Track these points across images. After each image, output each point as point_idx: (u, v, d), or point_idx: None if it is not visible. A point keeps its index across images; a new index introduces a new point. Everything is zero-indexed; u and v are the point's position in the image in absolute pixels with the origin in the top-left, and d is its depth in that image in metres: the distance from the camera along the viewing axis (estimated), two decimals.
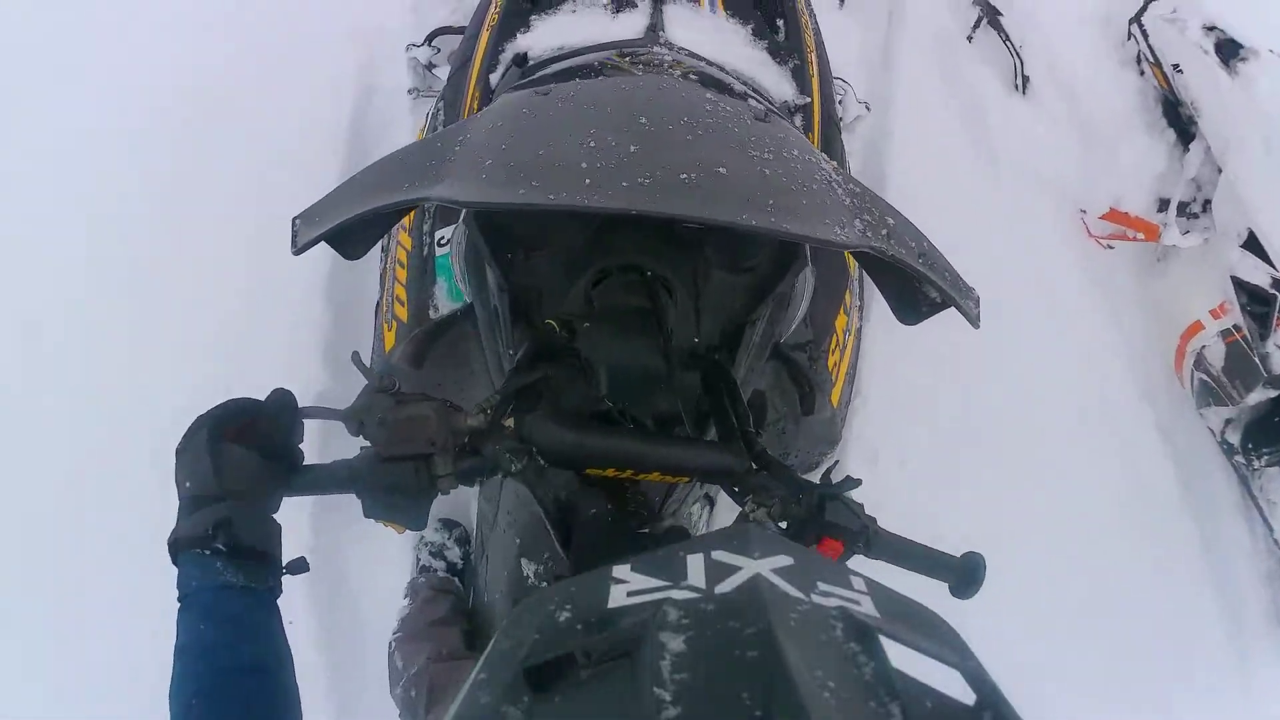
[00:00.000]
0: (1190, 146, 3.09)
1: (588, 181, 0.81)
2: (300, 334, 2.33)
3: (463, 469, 0.91)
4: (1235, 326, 2.90)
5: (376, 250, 1.17)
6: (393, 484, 0.89)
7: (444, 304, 1.49)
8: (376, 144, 2.57)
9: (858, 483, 1.05)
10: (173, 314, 2.30)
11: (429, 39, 2.53)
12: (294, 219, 1.00)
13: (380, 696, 1.86)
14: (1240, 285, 2.87)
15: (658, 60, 1.33)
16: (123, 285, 2.34)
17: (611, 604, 0.59)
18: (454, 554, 2.20)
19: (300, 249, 0.97)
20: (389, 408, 0.89)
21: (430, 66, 2.51)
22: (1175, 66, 3.09)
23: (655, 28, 1.43)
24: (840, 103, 2.43)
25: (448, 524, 2.26)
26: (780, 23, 1.65)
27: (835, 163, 1.03)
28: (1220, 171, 2.96)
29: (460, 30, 2.47)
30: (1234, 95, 2.92)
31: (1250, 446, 2.99)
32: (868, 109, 2.87)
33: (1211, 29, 3.03)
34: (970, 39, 3.24)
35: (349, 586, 2.20)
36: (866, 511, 1.03)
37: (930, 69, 3.13)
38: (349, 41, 2.69)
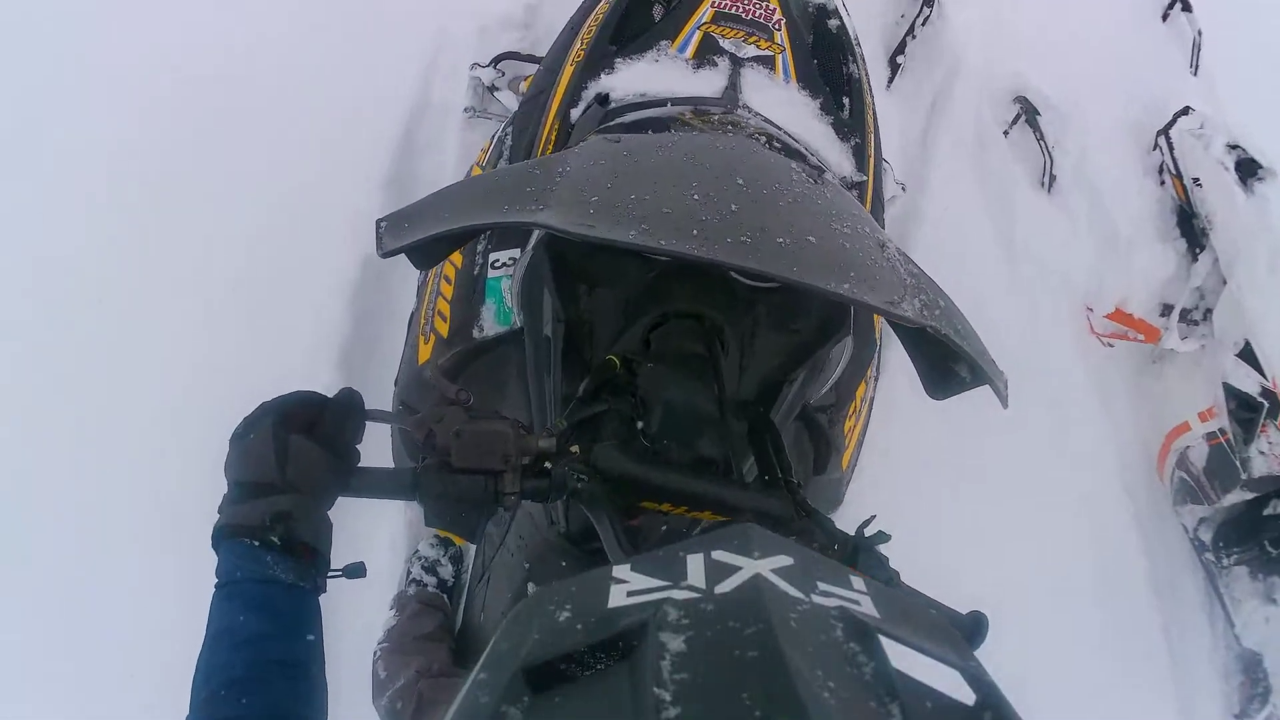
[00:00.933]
0: (1199, 257, 3.22)
1: (695, 232, 0.85)
2: (320, 334, 2.34)
3: (528, 488, 0.93)
4: (1221, 430, 3.00)
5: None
6: (460, 495, 0.90)
7: (490, 326, 1.51)
8: (425, 154, 2.60)
9: (888, 537, 1.09)
10: (189, 300, 2.30)
11: (495, 61, 2.56)
12: (379, 221, 1.01)
13: (351, 702, 1.86)
14: (1231, 391, 2.96)
15: (742, 122, 1.38)
16: (143, 267, 2.33)
17: (611, 604, 0.58)
18: (446, 571, 2.20)
19: (387, 253, 0.99)
20: (464, 420, 0.90)
21: (492, 89, 2.54)
22: (1195, 180, 3.22)
23: (734, 88, 1.47)
24: None
25: (444, 541, 2.26)
26: (846, 101, 1.70)
27: (895, 243, 1.08)
28: (1225, 283, 3.06)
29: (527, 58, 2.52)
30: (1248, 212, 3.02)
31: (1221, 545, 3.09)
32: (903, 189, 2.94)
33: (1234, 147, 3.17)
34: (1006, 134, 3.34)
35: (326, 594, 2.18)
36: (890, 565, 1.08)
37: (965, 158, 3.24)
38: (412, 56, 2.71)
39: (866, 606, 0.59)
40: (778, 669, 0.48)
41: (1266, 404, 2.87)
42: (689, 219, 0.86)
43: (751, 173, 0.98)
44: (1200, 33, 3.93)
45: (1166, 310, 3.17)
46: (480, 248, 1.58)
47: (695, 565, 0.61)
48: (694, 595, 0.57)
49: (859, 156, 1.63)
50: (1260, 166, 3.09)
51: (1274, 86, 3.70)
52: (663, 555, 0.64)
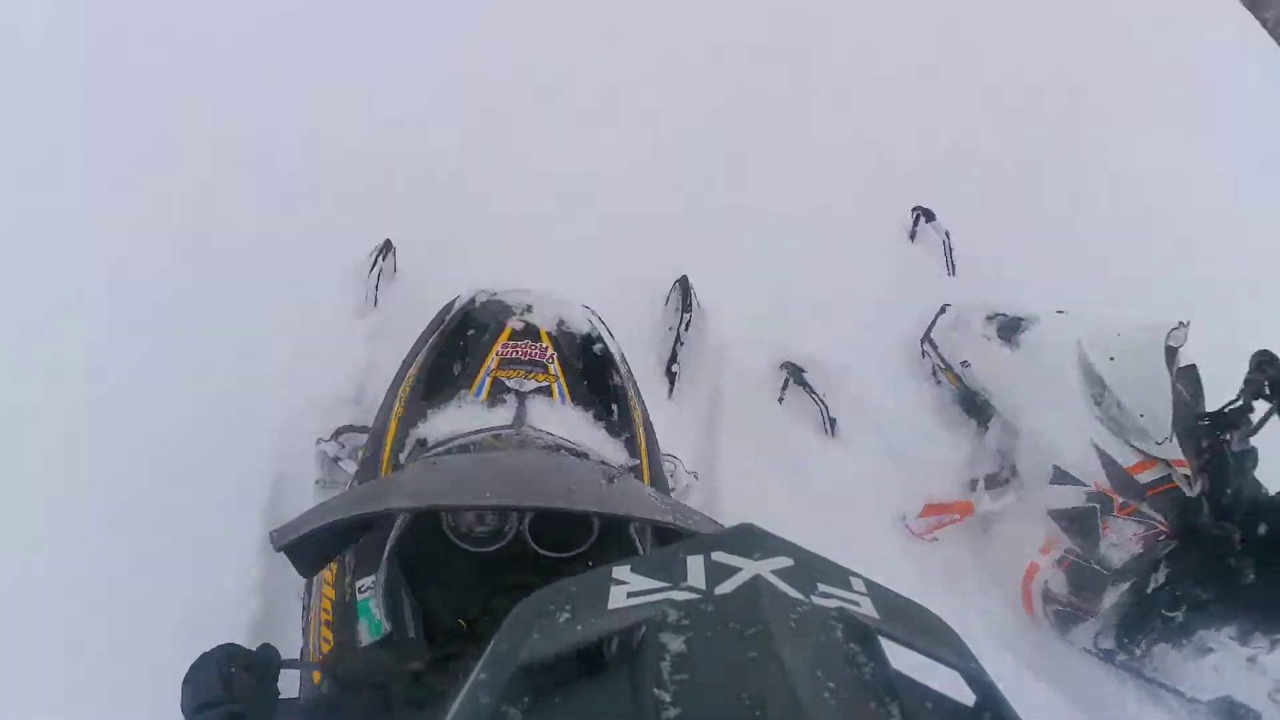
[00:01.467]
0: (989, 425, 3.54)
1: (487, 495, 1.29)
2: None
3: (410, 696, 1.29)
4: (1067, 550, 3.27)
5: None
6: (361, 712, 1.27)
7: (365, 639, 1.82)
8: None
9: None
10: None
11: (336, 434, 2.91)
12: (271, 531, 1.38)
13: None
14: (1058, 514, 3.24)
15: (528, 440, 1.82)
16: None
17: (611, 604, 0.59)
18: None
19: (279, 548, 1.34)
20: (355, 657, 1.35)
21: (336, 460, 2.87)
22: (963, 363, 3.60)
23: (520, 418, 1.92)
24: (671, 475, 2.92)
25: None
26: (614, 406, 2.17)
27: (655, 489, 1.53)
28: (1018, 434, 3.37)
29: (361, 429, 2.89)
30: (1020, 362, 3.41)
31: (1126, 642, 3.31)
32: (696, 478, 3.23)
33: (993, 316, 3.62)
34: (781, 399, 3.71)
35: None
36: None
37: (748, 433, 3.57)
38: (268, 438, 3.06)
39: (866, 607, 0.60)
40: (778, 670, 0.49)
41: (1098, 505, 3.18)
42: (482, 489, 1.30)
43: (528, 463, 1.45)
44: (948, 234, 4.39)
45: (974, 484, 3.46)
46: (347, 580, 1.91)
47: (695, 566, 0.62)
48: (694, 596, 0.58)
49: (630, 447, 2.07)
50: (1021, 319, 3.52)
51: (1022, 245, 4.35)
52: (663, 556, 0.65)
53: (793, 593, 0.58)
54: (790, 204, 4.46)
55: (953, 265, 4.44)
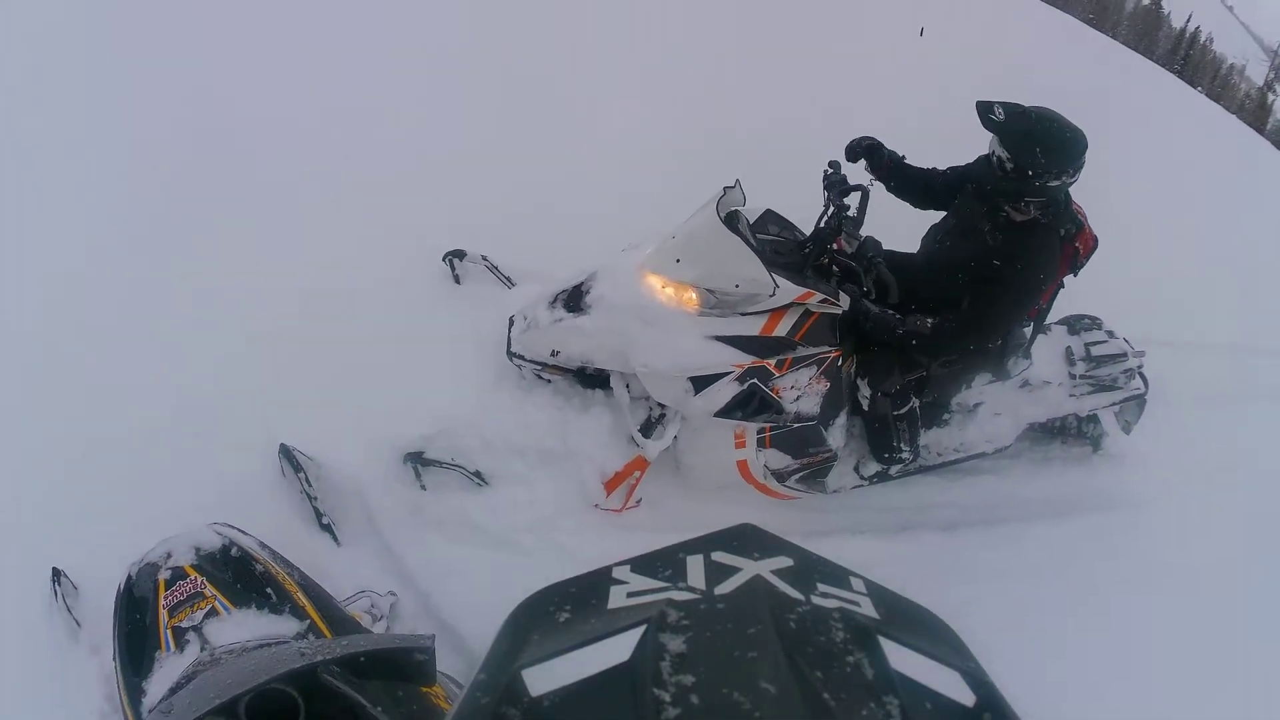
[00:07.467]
0: (611, 385, 3.53)
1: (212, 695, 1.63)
2: None
3: None
4: (759, 431, 3.28)
5: None
6: None
7: None
8: None
9: None
10: None
11: None
12: None
13: None
14: (725, 410, 3.25)
15: (219, 659, 2.22)
16: None
17: (611, 604, 0.59)
18: None
19: None
20: None
21: None
22: (554, 352, 3.48)
23: (204, 645, 2.32)
24: (372, 607, 3.21)
25: None
26: (269, 590, 2.53)
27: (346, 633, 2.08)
28: (637, 374, 3.31)
29: None
30: (599, 320, 3.34)
31: (888, 456, 3.41)
32: (394, 595, 3.38)
33: (554, 299, 3.57)
34: (424, 487, 3.79)
35: None
36: None
37: (409, 532, 3.68)
38: None
39: (866, 607, 0.60)
40: (777, 670, 0.50)
41: (755, 378, 3.15)
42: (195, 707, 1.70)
43: (220, 672, 1.93)
44: (484, 257, 4.53)
45: (633, 439, 3.47)
46: None
47: (695, 566, 0.62)
48: (694, 596, 0.58)
49: (296, 613, 2.54)
50: (580, 284, 3.52)
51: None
52: (662, 556, 0.65)
53: (793, 593, 0.58)
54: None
55: (507, 280, 4.58)
